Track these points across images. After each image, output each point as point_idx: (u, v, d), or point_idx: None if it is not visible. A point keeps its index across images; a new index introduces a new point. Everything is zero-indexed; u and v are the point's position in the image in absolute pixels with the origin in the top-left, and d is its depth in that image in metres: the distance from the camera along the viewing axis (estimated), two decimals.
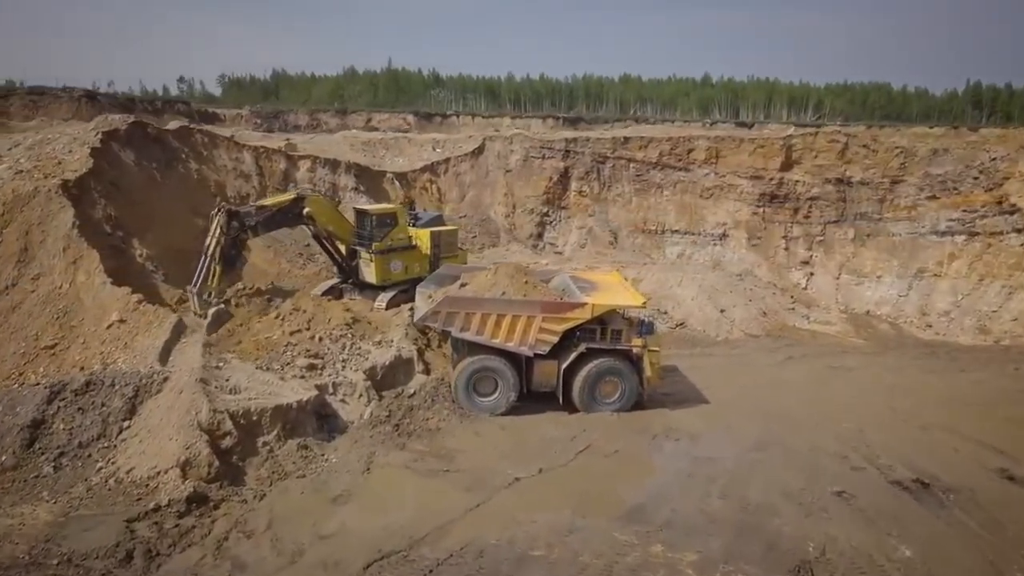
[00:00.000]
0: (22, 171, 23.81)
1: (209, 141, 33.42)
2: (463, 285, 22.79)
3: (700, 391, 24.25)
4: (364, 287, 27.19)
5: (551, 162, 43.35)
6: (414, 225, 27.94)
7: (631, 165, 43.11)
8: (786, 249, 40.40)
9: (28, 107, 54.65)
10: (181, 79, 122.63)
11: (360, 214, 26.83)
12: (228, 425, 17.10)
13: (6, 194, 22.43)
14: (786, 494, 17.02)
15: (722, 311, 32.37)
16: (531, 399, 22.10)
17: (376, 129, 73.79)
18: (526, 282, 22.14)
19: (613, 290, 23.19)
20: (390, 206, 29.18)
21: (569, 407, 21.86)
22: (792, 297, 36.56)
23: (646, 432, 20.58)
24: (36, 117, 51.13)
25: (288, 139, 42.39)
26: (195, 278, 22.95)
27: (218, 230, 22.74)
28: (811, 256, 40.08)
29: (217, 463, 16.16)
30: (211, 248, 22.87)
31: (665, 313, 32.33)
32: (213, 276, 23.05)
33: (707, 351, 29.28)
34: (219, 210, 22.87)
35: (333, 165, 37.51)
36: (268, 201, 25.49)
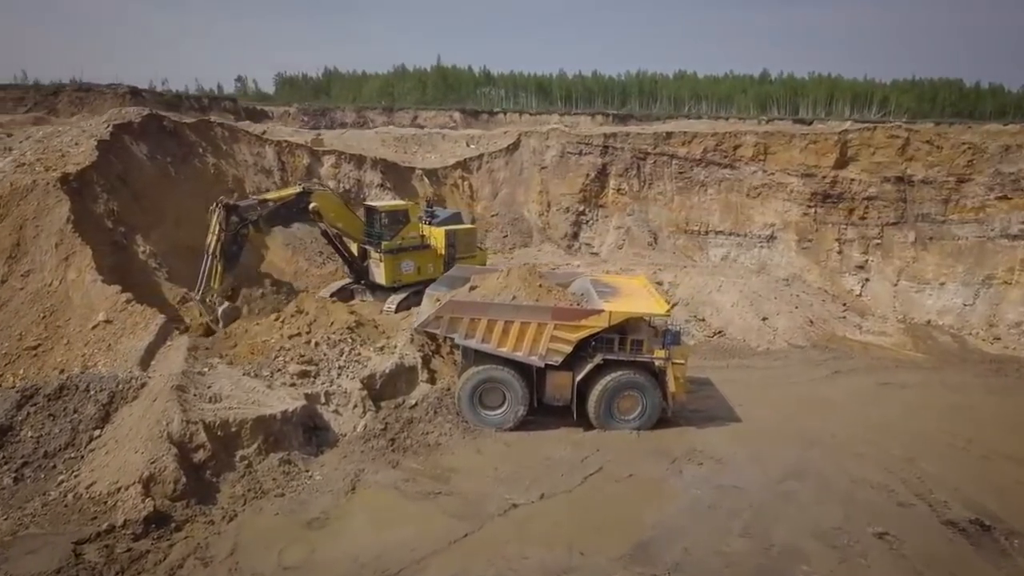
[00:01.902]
0: (24, 164, 23.12)
1: (229, 135, 32.54)
2: (472, 288, 21.13)
3: (732, 408, 22.11)
4: (376, 288, 25.81)
5: (588, 158, 41.33)
6: (430, 223, 26.46)
7: (673, 162, 40.79)
8: (839, 253, 37.53)
9: (75, 103, 54.99)
10: (238, 78, 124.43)
11: (369, 211, 25.45)
12: (202, 437, 15.83)
13: (3, 187, 21.74)
14: (818, 534, 14.94)
15: (764, 319, 29.98)
16: (544, 413, 20.40)
17: (422, 127, 72.77)
18: (540, 286, 20.36)
19: (635, 296, 21.24)
20: (401, 203, 27.76)
21: (584, 423, 20.07)
22: (844, 305, 33.84)
23: (666, 454, 18.63)
24: (80, 113, 51.46)
25: (319, 134, 41.43)
26: (198, 285, 22.04)
27: (217, 226, 21.68)
28: (867, 260, 37.14)
29: (184, 479, 14.88)
30: (212, 246, 21.85)
31: (702, 320, 30.13)
32: (215, 275, 22.05)
33: (745, 363, 26.99)
34: (217, 205, 21.75)
35: (359, 161, 36.29)
36: (271, 195, 24.33)
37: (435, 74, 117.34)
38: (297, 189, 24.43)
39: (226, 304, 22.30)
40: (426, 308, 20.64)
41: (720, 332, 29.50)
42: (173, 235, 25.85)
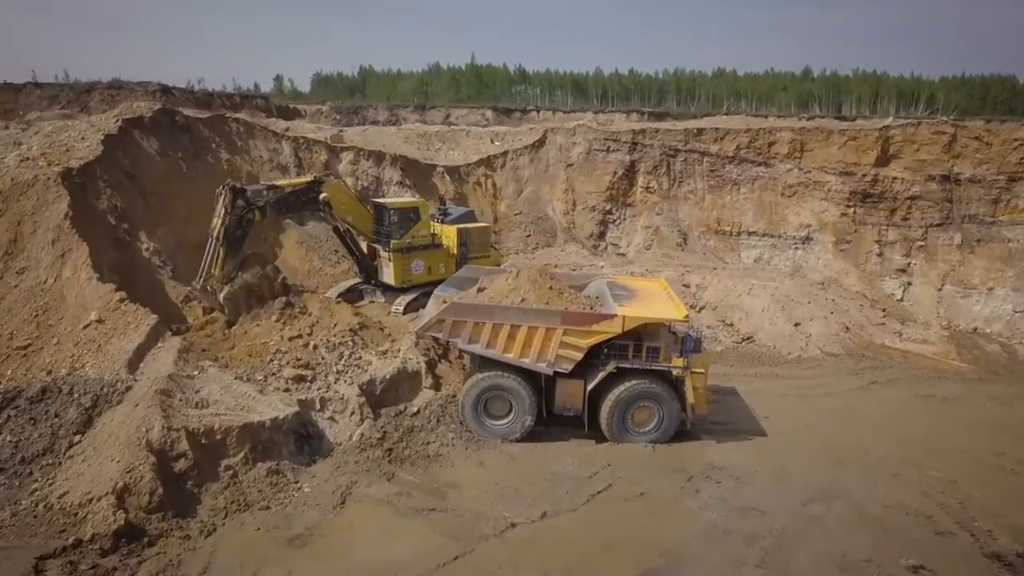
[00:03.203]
0: (28, 158, 22.64)
1: (245, 131, 31.90)
2: (480, 289, 20.01)
3: (757, 420, 20.70)
4: (387, 289, 24.84)
5: (616, 155, 39.86)
6: (442, 221, 25.41)
7: (705, 159, 39.13)
8: (879, 255, 35.55)
9: (106, 101, 55.08)
10: (276, 78, 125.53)
11: (378, 208, 24.46)
12: (184, 445, 15.01)
13: (5, 182, 21.25)
14: (845, 567, 13.56)
15: (796, 325, 28.34)
16: (555, 423, 19.24)
17: (453, 125, 71.92)
18: (550, 288, 19.19)
19: (652, 300, 19.91)
20: (411, 200, 26.73)
21: (596, 435, 18.87)
22: (883, 310, 31.95)
23: (682, 471, 17.34)
24: (112, 110, 51.63)
25: (341, 131, 40.70)
26: (200, 272, 20.96)
27: (223, 209, 20.61)
28: (909, 264, 35.10)
29: (161, 490, 14.07)
30: (216, 229, 20.75)
31: (730, 325, 28.63)
32: (216, 260, 20.81)
33: (775, 371, 25.44)
34: (224, 188, 20.78)
35: (378, 157, 35.39)
36: (282, 181, 23.44)
37: (469, 72, 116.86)
38: (309, 178, 23.52)
39: (226, 290, 20.87)
40: (431, 310, 19.59)
41: (749, 338, 27.97)
42: (181, 232, 25.21)
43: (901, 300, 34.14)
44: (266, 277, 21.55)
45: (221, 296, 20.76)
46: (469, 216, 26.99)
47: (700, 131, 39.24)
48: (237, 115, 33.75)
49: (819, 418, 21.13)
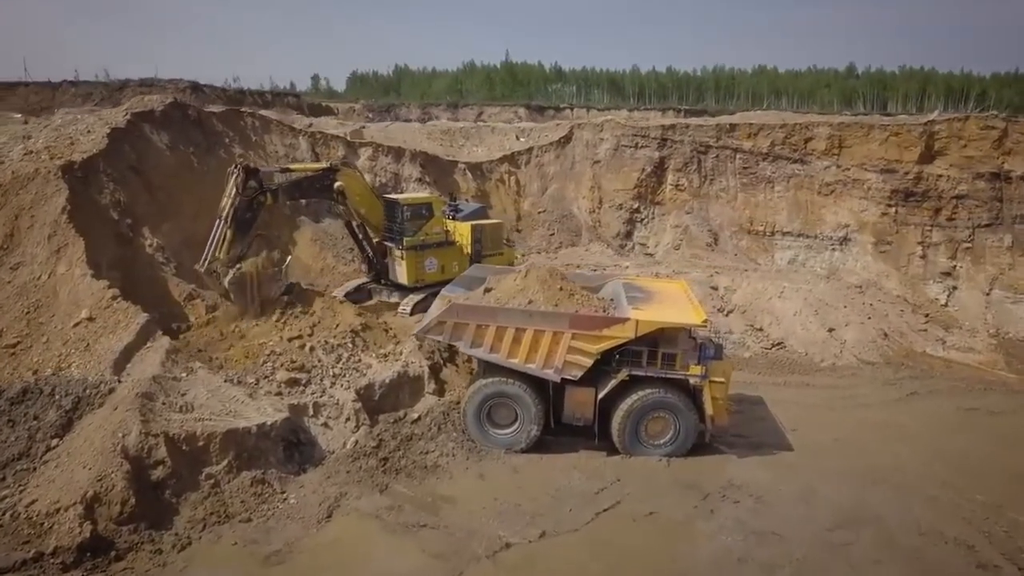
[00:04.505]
0: (32, 152, 22.18)
1: (260, 126, 31.28)
2: (488, 290, 18.91)
3: (784, 434, 19.28)
4: (397, 288, 23.90)
5: (645, 152, 38.45)
6: (453, 217, 24.40)
7: (737, 156, 37.47)
8: (923, 257, 33.59)
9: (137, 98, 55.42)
10: (314, 77, 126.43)
11: (391, 204, 23.51)
12: (162, 452, 14.20)
13: (5, 175, 20.79)
14: None
15: (831, 330, 26.70)
16: (565, 432, 18.09)
17: (481, 122, 71.01)
18: (561, 289, 18.01)
19: (670, 303, 18.59)
20: (424, 196, 25.78)
21: (608, 447, 17.66)
22: (926, 316, 30.06)
23: (697, 488, 16.05)
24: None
25: (363, 126, 39.99)
26: (204, 255, 19.88)
27: (233, 189, 19.69)
28: (954, 266, 33.09)
29: (133, 500, 13.26)
30: (224, 210, 19.78)
31: (759, 330, 27.09)
32: (222, 243, 19.79)
33: (805, 380, 23.88)
34: (236, 167, 19.93)
35: (397, 153, 34.51)
36: (296, 166, 22.70)
37: (503, 70, 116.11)
38: (324, 164, 22.68)
39: (231, 273, 19.67)
40: (433, 311, 18.58)
41: (779, 344, 26.41)
42: (189, 228, 24.54)
43: (945, 305, 32.17)
44: (270, 261, 20.57)
45: (226, 280, 19.58)
46: (480, 212, 25.94)
47: (733, 127, 37.61)
48: (251, 110, 33.12)
49: (851, 432, 19.60)
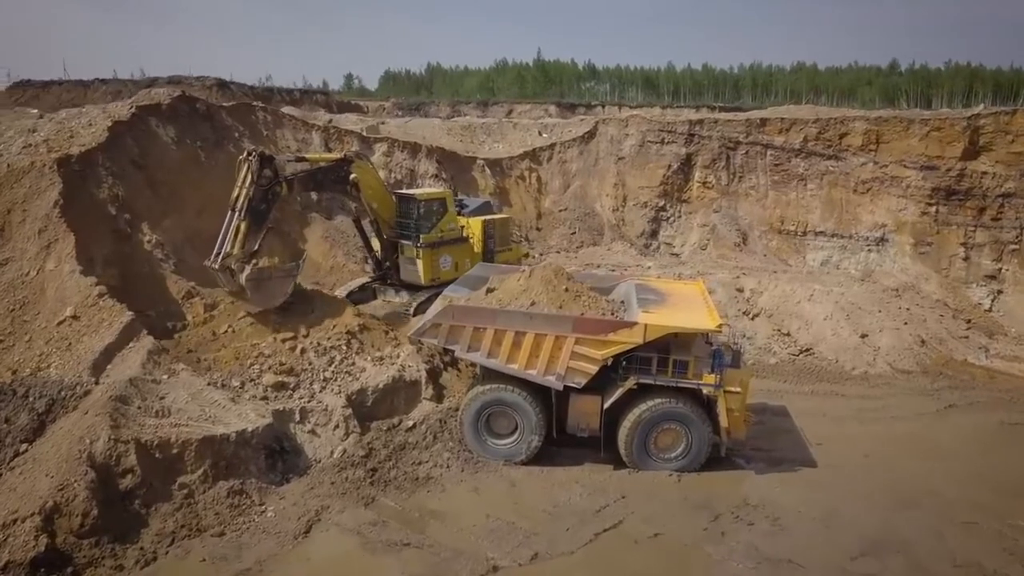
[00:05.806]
0: (31, 145, 21.71)
1: (272, 120, 30.61)
2: (490, 290, 17.83)
3: (808, 448, 17.89)
4: (404, 287, 22.91)
5: (671, 148, 37.05)
6: (460, 213, 23.36)
7: (768, 152, 35.86)
8: (965, 259, 31.68)
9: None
10: (348, 75, 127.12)
11: (404, 200, 22.48)
12: (131, 459, 13.43)
13: (1, 169, 20.30)
14: None
15: (864, 336, 25.10)
16: (569, 443, 16.97)
17: (510, 120, 70.01)
18: (566, 290, 16.84)
19: (684, 306, 17.32)
20: (438, 191, 24.78)
21: (614, 459, 16.48)
22: (968, 322, 28.26)
23: (708, 508, 14.81)
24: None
25: (381, 122, 39.25)
26: (216, 249, 18.75)
27: (248, 178, 18.71)
28: (1000, 269, 31.13)
29: (95, 512, 12.49)
30: (238, 200, 18.67)
31: (787, 335, 25.61)
32: (237, 236, 18.65)
33: (835, 389, 22.40)
34: (249, 154, 18.93)
35: (413, 149, 33.61)
36: (311, 155, 21.87)
37: (535, 68, 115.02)
38: (339, 155, 21.82)
39: (248, 269, 18.47)
40: (431, 313, 17.55)
41: (808, 350, 24.91)
42: (193, 224, 23.91)
43: (989, 311, 30.27)
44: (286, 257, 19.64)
45: (243, 277, 18.34)
46: (487, 207, 24.88)
47: (763, 121, 36.01)
48: (263, 104, 32.49)
49: (882, 447, 18.13)
